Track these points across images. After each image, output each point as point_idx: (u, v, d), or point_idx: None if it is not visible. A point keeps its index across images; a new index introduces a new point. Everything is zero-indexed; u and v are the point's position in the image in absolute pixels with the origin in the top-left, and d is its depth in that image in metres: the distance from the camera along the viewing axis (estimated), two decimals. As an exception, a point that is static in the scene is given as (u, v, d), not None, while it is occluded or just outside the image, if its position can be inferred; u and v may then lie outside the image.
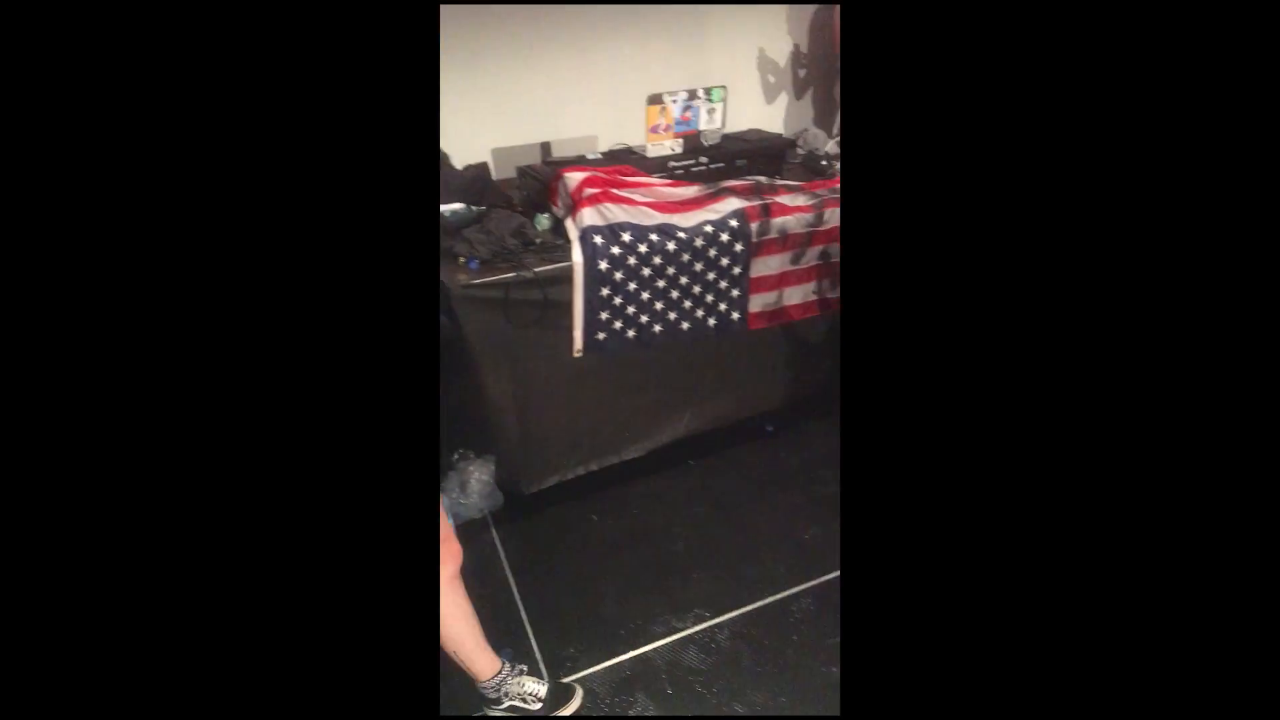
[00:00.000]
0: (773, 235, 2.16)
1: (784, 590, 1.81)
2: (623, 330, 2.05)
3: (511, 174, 2.38)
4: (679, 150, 2.38)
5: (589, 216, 1.95)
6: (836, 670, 1.59)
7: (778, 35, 2.95)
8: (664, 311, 2.09)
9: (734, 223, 2.10)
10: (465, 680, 1.45)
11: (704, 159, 2.38)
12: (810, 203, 2.24)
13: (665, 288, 2.05)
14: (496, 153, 2.45)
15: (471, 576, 1.80)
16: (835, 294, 2.37)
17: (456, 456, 2.21)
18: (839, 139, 2.67)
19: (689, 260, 2.05)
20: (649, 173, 2.30)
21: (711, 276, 2.11)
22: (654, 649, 1.66)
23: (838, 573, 1.85)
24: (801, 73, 3.03)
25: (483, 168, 2.29)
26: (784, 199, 2.22)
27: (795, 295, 2.30)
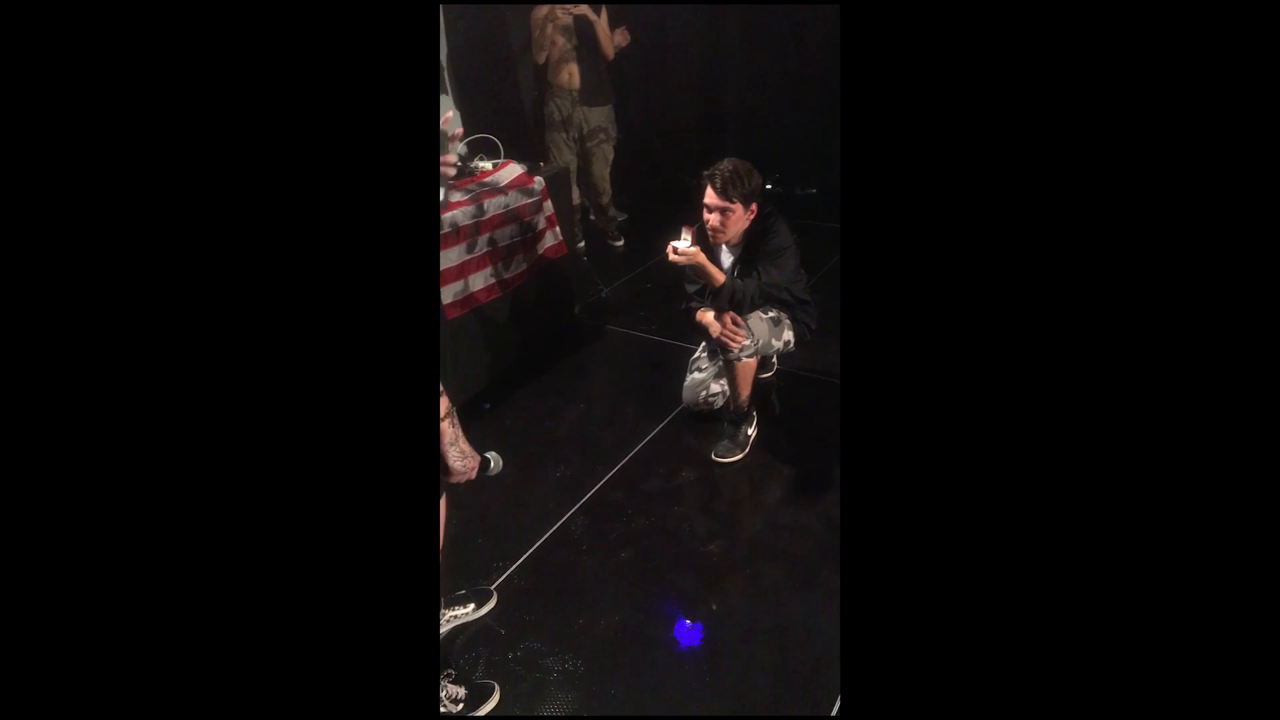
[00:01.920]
0: (446, 230, 2.36)
1: (559, 519, 2.08)
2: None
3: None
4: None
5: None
6: (627, 564, 1.94)
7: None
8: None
9: (412, 223, 2.24)
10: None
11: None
12: (468, 197, 2.49)
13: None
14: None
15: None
16: (509, 274, 2.68)
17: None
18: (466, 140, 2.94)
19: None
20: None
21: (404, 276, 2.23)
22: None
23: (599, 485, 2.19)
24: None
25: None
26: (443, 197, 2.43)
27: (478, 281, 2.54)
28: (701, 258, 2.03)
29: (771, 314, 2.23)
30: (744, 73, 4.79)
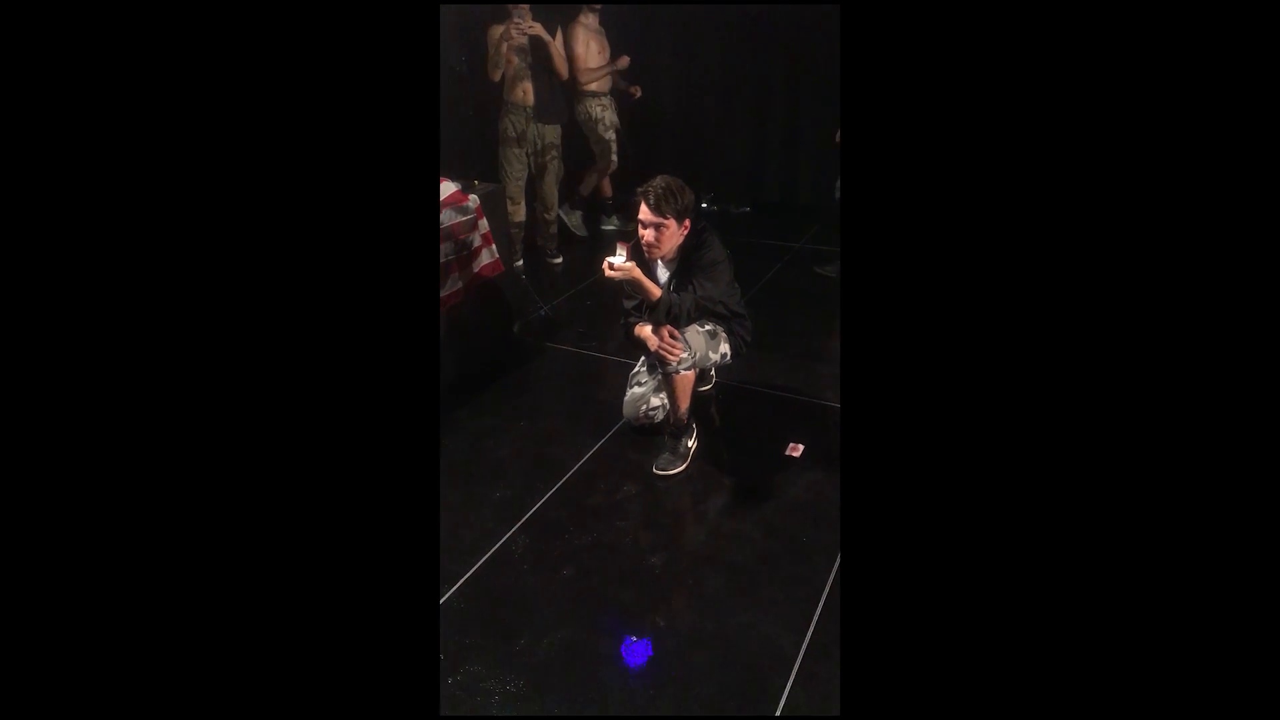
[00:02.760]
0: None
1: (499, 540, 2.05)
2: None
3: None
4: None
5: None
6: (569, 581, 1.92)
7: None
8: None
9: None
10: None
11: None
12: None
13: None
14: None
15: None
16: (444, 293, 2.65)
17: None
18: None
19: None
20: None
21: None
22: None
23: (540, 503, 2.17)
24: None
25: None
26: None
27: (413, 299, 2.50)
28: (637, 273, 2.05)
29: (708, 327, 2.26)
30: (679, 94, 4.88)
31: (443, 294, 2.63)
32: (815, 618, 1.73)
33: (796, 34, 4.36)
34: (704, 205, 4.74)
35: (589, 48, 3.86)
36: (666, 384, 2.27)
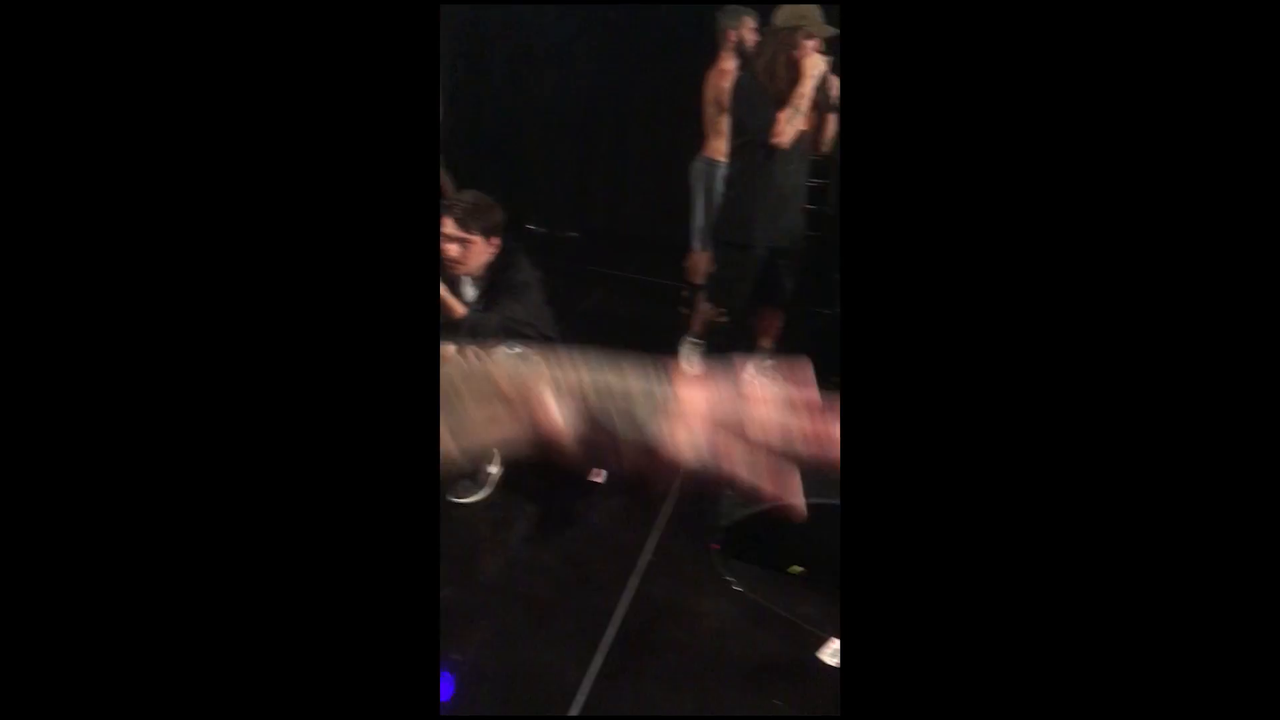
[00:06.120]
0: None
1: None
2: None
3: None
4: None
5: None
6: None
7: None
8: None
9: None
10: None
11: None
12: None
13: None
14: None
15: None
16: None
17: None
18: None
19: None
20: None
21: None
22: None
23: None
24: None
25: None
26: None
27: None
28: (440, 289, 1.96)
29: (518, 350, 2.21)
30: (509, 109, 4.83)
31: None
32: (605, 649, 1.72)
33: (657, 45, 4.23)
34: (530, 227, 4.71)
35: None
36: (470, 407, 2.18)
